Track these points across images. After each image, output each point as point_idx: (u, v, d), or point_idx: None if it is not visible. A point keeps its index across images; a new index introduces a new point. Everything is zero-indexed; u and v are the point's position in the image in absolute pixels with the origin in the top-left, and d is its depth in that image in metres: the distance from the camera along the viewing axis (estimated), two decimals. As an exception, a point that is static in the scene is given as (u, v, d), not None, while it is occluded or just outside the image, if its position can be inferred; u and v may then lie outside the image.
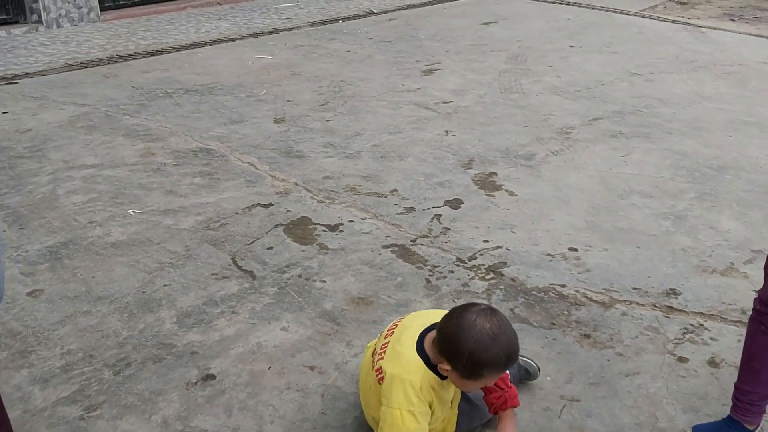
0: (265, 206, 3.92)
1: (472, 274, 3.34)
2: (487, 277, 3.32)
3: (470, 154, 4.71)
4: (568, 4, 9.50)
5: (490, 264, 3.42)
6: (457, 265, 3.40)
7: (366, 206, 3.96)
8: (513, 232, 3.71)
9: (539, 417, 2.46)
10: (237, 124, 5.07)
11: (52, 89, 5.78)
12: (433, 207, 3.97)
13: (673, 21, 8.66)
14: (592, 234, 3.70)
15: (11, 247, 3.49)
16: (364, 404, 2.27)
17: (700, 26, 8.44)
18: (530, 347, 2.81)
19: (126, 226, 3.69)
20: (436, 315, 2.08)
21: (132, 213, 3.82)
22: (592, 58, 7.09)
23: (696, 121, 5.38)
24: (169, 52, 6.92)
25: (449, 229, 3.74)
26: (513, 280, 3.28)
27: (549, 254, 3.50)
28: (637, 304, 3.10)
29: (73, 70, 6.33)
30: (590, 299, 3.14)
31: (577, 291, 3.20)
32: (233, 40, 7.38)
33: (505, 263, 3.42)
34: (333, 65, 6.56)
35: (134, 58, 6.73)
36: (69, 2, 7.69)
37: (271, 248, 3.49)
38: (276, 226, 3.70)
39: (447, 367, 1.94)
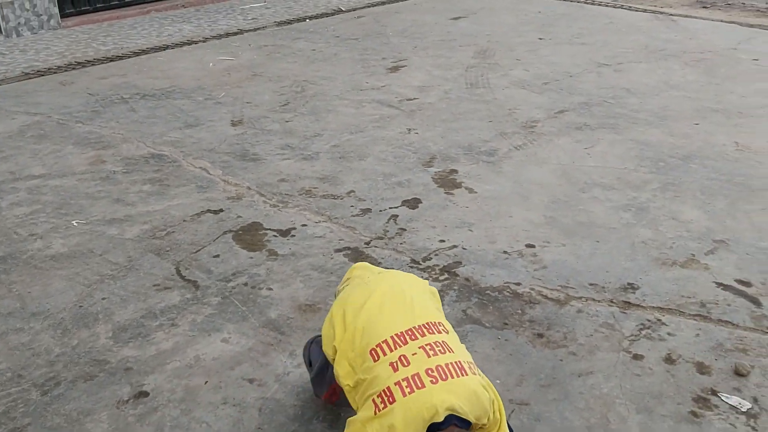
0: (215, 212, 3.79)
1: (425, 275, 3.23)
2: (441, 278, 3.21)
3: (432, 152, 4.60)
4: (538, -4, 9.39)
5: (445, 264, 3.31)
6: (411, 267, 3.29)
7: (321, 209, 3.84)
8: (470, 231, 3.61)
9: (486, 424, 2.35)
10: (192, 128, 4.94)
11: (5, 99, 5.62)
12: (391, 207, 3.86)
13: (645, 10, 8.58)
14: (550, 229, 3.60)
15: (-53, 263, 3.35)
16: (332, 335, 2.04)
17: (671, 14, 8.37)
18: (481, 349, 2.70)
19: (68, 237, 3.56)
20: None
21: (75, 224, 3.68)
22: (561, 50, 6.99)
23: (663, 110, 5.29)
24: (129, 57, 6.77)
25: (405, 229, 3.63)
26: (467, 280, 3.18)
27: (506, 252, 3.40)
28: (593, 300, 3.00)
29: (30, 78, 6.17)
30: (545, 297, 3.03)
31: (532, 289, 3.09)
32: (196, 42, 7.24)
33: (461, 263, 3.31)
34: (296, 65, 6.43)
35: (93, 65, 6.57)
36: (28, 10, 7.52)
37: (217, 256, 3.37)
38: (225, 233, 3.57)
39: None
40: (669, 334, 2.78)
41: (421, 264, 3.31)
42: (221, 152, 4.55)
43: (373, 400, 1.78)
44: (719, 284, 3.10)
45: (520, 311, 2.94)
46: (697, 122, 5.02)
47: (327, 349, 2.03)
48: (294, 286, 3.13)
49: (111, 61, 6.66)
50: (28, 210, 3.85)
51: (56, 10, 7.78)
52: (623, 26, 7.79)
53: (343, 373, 1.93)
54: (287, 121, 5.10)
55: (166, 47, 7.09)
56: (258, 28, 7.81)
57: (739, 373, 2.55)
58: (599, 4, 8.91)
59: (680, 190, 3.98)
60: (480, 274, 3.21)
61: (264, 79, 6.07)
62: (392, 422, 1.73)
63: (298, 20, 8.18)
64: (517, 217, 3.72)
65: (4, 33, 7.48)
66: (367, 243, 3.50)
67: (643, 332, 2.79)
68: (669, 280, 3.13)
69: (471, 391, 1.79)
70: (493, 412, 1.84)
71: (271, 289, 3.11)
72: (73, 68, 6.44)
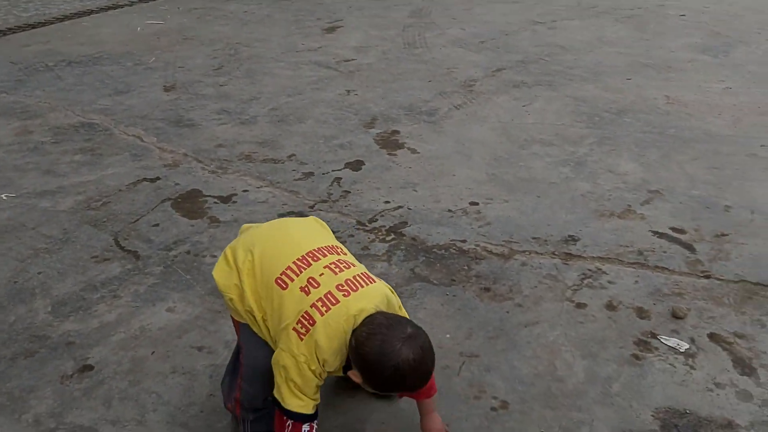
0: (152, 181, 3.68)
1: (372, 236, 3.23)
2: (388, 238, 3.21)
3: (373, 113, 4.56)
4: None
5: (391, 225, 3.31)
6: (357, 229, 3.28)
7: (262, 174, 3.77)
8: (415, 191, 3.61)
9: (438, 376, 2.37)
10: (123, 95, 4.75)
11: None
12: (333, 170, 3.83)
13: (575, -32, 8.66)
14: (493, 187, 3.64)
15: None
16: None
17: (601, -28, 8.47)
18: (430, 306, 2.73)
19: (-3, 212, 3.40)
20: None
21: (5, 197, 3.52)
22: (495, 9, 7.01)
23: (597, 66, 5.39)
24: (52, 23, 6.45)
25: (349, 192, 3.61)
26: (414, 239, 3.19)
27: (450, 210, 3.43)
28: (537, 253, 3.06)
29: (-57, 47, 5.82)
30: (490, 252, 3.08)
31: (477, 245, 3.13)
32: (122, 6, 6.95)
33: (407, 223, 3.32)
34: (229, 27, 6.25)
35: (14, 32, 6.24)
36: (-64, -27, 7.06)
37: (157, 225, 3.28)
38: (163, 201, 3.48)
39: (358, 376, 1.79)
40: (609, 282, 2.87)
41: (367, 226, 3.31)
42: (155, 119, 4.41)
43: (294, 329, 1.80)
44: (655, 233, 3.20)
45: (466, 267, 2.98)
46: (630, 77, 5.14)
47: (229, 291, 1.95)
48: (239, 252, 3.08)
49: (33, 27, 6.33)
50: (-49, 185, 3.65)
51: (-33, -27, 7.32)
52: (556, -16, 7.86)
53: (253, 306, 1.89)
54: (222, 85, 4.97)
55: (90, 12, 6.79)
56: (187, -10, 7.54)
57: (676, 316, 2.66)
58: (532, -37, 8.94)
59: (616, 144, 4.08)
60: (426, 233, 3.23)
61: (195, 42, 5.88)
62: (316, 341, 1.78)
63: (229, -18, 7.93)
64: (460, 176, 3.75)
65: None
66: (311, 207, 3.47)
67: (585, 282, 2.87)
68: (608, 230, 3.22)
69: (382, 294, 1.89)
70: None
71: (215, 256, 3.05)
72: (-9, 35, 6.10)
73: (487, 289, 2.83)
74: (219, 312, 2.69)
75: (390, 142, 4.15)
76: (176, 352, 2.50)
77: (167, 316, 2.68)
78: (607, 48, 5.81)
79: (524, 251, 3.08)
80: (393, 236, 3.22)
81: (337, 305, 1.81)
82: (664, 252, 3.06)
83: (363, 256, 3.06)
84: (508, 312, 2.70)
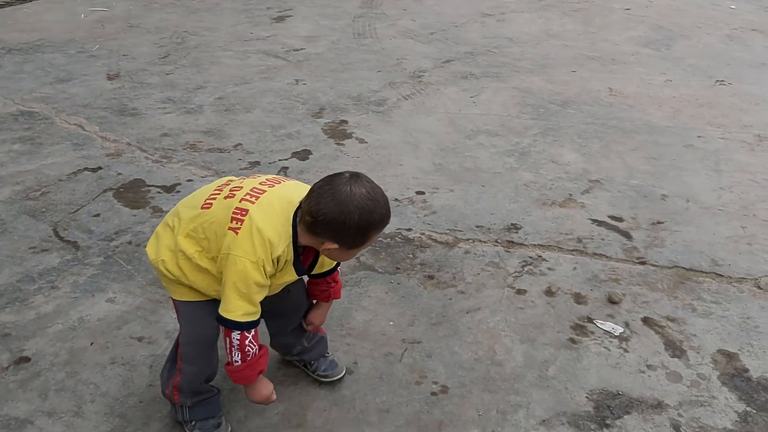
0: (94, 170, 3.61)
1: (317, 225, 3.23)
2: (333, 226, 3.21)
3: (321, 103, 4.56)
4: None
5: (337, 213, 3.31)
6: (303, 217, 3.28)
7: (207, 163, 3.73)
8: (361, 179, 3.62)
9: (380, 363, 2.41)
10: (65, 83, 4.64)
11: None
12: (280, 159, 3.81)
13: (525, -38, 8.76)
14: (439, 176, 3.68)
15: None
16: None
17: (550, -34, 8.59)
18: (374, 294, 2.75)
19: (-71, 202, 3.29)
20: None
21: (-63, 187, 3.41)
22: (446, 1, 7.06)
23: (543, 58, 5.47)
24: (-9, 8, 6.25)
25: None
26: (359, 227, 3.20)
27: (397, 199, 3.45)
28: (480, 241, 3.11)
29: None
30: (435, 241, 3.12)
31: (422, 234, 3.17)
32: (65, -8, 6.77)
33: (352, 212, 3.33)
34: (176, 15, 6.15)
35: (-52, 16, 6.02)
36: None
37: (98, 215, 3.22)
38: (105, 191, 3.42)
39: (332, 245, 1.76)
40: (549, 269, 2.93)
41: (312, 214, 3.30)
42: (97, 107, 4.32)
43: (230, 228, 1.77)
44: (594, 221, 3.29)
45: (411, 256, 3.01)
46: (575, 69, 5.24)
47: (160, 255, 1.90)
48: (182, 242, 3.05)
49: (-32, 12, 6.12)
50: None
51: None
52: (505, -23, 7.94)
53: (187, 247, 1.85)
54: (168, 74, 4.89)
55: (30, -3, 6.59)
56: (133, -23, 7.38)
57: (612, 301, 2.74)
58: (482, -45, 9.01)
59: (559, 135, 4.16)
60: (371, 221, 3.25)
61: (141, 30, 5.77)
62: (254, 225, 1.76)
63: (177, -31, 7.79)
64: (407, 166, 3.78)
65: None
66: (257, 196, 3.44)
67: (526, 268, 2.93)
68: (549, 219, 3.29)
69: (305, 186, 1.87)
70: None
71: (158, 246, 3.01)
72: (-76, 20, 5.87)
73: (431, 277, 2.87)
74: (160, 302, 2.66)
75: (338, 132, 4.15)
76: (116, 343, 2.47)
77: (107, 306, 2.64)
78: (553, 41, 5.91)
79: (468, 239, 3.13)
80: (339, 225, 3.23)
81: (265, 193, 1.82)
82: (603, 239, 3.15)
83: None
84: (450, 299, 2.74)
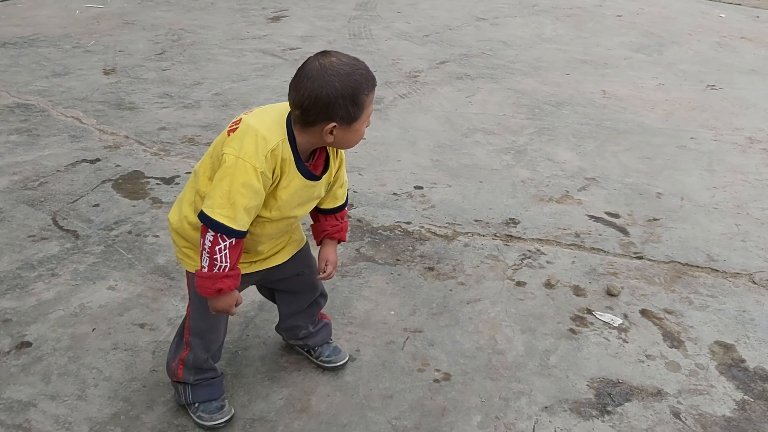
0: (92, 162, 3.60)
1: (317, 218, 3.24)
2: (333, 219, 3.22)
3: (317, 100, 4.56)
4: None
5: (336, 207, 3.33)
6: (302, 210, 3.29)
7: (206, 156, 3.73)
8: (360, 175, 3.65)
9: (382, 351, 2.43)
10: (61, 77, 4.63)
11: None
12: (278, 154, 3.82)
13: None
14: (437, 172, 3.70)
15: None
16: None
17: (542, -27, 8.68)
18: (375, 284, 2.77)
19: (-74, 190, 3.27)
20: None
21: (-66, 176, 3.39)
22: (439, 4, 7.11)
23: (537, 61, 5.53)
24: (-16, 3, 6.21)
25: (294, 174, 3.61)
26: (359, 221, 3.22)
27: (395, 194, 3.47)
28: (479, 235, 3.14)
29: None
30: (434, 234, 3.14)
31: (421, 227, 3.19)
32: (59, -11, 6.74)
33: (352, 205, 3.35)
34: (171, 13, 6.15)
35: (-59, 11, 5.98)
36: None
37: (97, 205, 3.21)
38: (103, 182, 3.41)
39: (331, 125, 1.73)
40: (548, 262, 2.96)
41: (312, 207, 3.31)
42: (94, 101, 4.31)
43: (227, 132, 1.79)
44: (591, 217, 3.33)
45: (411, 248, 3.03)
46: (568, 72, 5.30)
47: (186, 209, 1.90)
48: (182, 233, 3.05)
49: (-39, 6, 6.08)
50: None
51: None
52: (498, -17, 8.02)
53: (206, 187, 1.83)
54: (164, 70, 4.89)
55: (25, -7, 6.56)
56: (127, -24, 7.37)
57: (610, 294, 2.77)
58: (475, -39, 9.09)
59: (554, 134, 4.21)
60: (372, 215, 3.27)
61: (137, 27, 5.76)
62: (247, 123, 1.77)
63: (171, -32, 7.79)
64: (405, 161, 3.80)
65: None
66: (256, 189, 3.45)
67: (525, 261, 2.96)
68: (546, 214, 3.33)
69: None
70: None
71: (157, 236, 3.01)
72: None
73: (431, 269, 2.89)
74: (162, 290, 2.66)
75: (335, 129, 4.16)
76: (118, 329, 2.46)
77: (108, 294, 2.63)
78: (546, 45, 5.97)
79: (467, 233, 3.15)
80: (338, 219, 3.24)
81: (264, 106, 1.87)
82: (600, 235, 3.18)
83: (309, 236, 3.07)
84: (451, 290, 2.76)
